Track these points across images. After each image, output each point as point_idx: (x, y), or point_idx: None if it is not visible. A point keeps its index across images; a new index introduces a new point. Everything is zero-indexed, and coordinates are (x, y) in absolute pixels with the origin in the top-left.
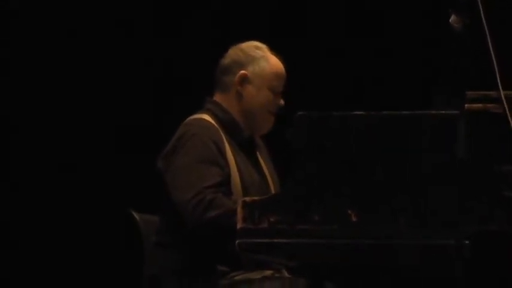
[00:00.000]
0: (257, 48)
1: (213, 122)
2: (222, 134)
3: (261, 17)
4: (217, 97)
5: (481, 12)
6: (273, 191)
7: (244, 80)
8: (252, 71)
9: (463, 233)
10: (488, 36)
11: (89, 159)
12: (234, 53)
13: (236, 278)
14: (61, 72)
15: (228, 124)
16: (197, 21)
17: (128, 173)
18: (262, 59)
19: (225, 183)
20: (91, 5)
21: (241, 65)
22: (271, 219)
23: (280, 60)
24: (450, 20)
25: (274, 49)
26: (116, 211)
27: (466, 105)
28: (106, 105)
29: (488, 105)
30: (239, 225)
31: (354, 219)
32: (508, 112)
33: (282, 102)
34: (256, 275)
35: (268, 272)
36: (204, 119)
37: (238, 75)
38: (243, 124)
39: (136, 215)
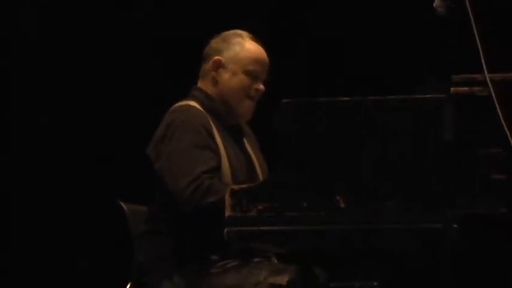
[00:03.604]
0: (236, 35)
1: (200, 107)
2: (209, 119)
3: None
4: (200, 84)
5: None
6: (261, 178)
7: (219, 65)
8: (226, 56)
9: (451, 217)
10: (472, 20)
11: (75, 151)
12: (214, 41)
13: (226, 266)
14: (54, 70)
15: (213, 110)
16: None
17: (115, 163)
18: (238, 44)
19: (219, 167)
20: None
21: (217, 51)
22: (259, 207)
23: (263, 47)
24: (434, 4)
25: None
26: (103, 202)
27: (451, 88)
28: (90, 96)
29: (474, 88)
30: (227, 214)
31: (341, 205)
32: (493, 95)
33: (261, 87)
34: (246, 262)
35: (258, 260)
36: (191, 105)
37: (212, 60)
38: (225, 110)
39: (124, 206)
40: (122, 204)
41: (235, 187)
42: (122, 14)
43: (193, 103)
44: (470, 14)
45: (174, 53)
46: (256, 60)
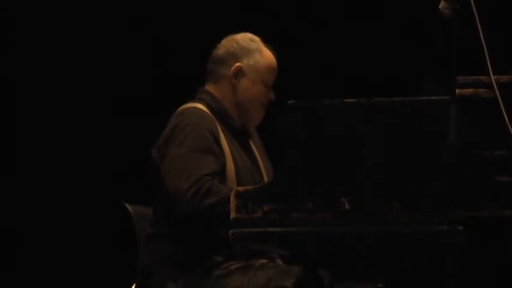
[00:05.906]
0: (252, 40)
1: (207, 111)
2: (216, 122)
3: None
4: (210, 87)
5: None
6: (266, 180)
7: (239, 72)
8: (247, 64)
9: (456, 219)
10: (478, 21)
11: (81, 151)
12: (229, 44)
13: (231, 267)
14: (57, 70)
15: (220, 114)
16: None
17: (121, 164)
18: (257, 51)
19: (221, 171)
20: None
21: (236, 57)
22: (265, 209)
23: (272, 52)
24: (440, 6)
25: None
26: (109, 203)
27: (457, 90)
28: (95, 96)
29: (480, 90)
30: (232, 216)
31: (347, 206)
32: (499, 97)
33: (272, 95)
34: (250, 264)
35: (262, 261)
36: (199, 108)
37: (233, 67)
38: (235, 115)
39: (129, 207)
40: (128, 205)
41: (241, 188)
42: (122, 17)
43: (200, 106)
44: (476, 15)
45: (177, 53)
46: (273, 69)
